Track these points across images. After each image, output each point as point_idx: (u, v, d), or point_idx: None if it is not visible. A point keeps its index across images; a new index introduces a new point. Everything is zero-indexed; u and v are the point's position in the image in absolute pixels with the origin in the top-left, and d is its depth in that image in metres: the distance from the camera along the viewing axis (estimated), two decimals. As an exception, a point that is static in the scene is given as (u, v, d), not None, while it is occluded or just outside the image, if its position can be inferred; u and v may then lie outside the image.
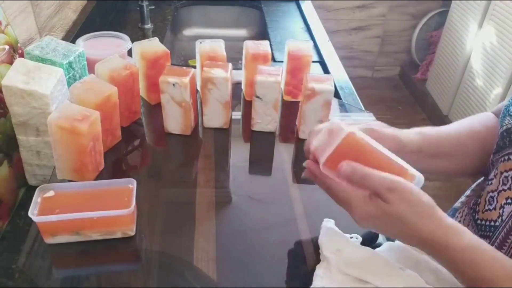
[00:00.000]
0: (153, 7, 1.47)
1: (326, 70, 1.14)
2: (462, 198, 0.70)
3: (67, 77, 0.77)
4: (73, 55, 0.78)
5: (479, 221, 0.60)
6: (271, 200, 0.72)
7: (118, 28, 1.31)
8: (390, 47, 2.81)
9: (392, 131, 0.60)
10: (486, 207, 0.61)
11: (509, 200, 0.57)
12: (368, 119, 0.93)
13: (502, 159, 0.59)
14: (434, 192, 2.11)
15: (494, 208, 0.59)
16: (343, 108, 0.97)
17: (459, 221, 0.66)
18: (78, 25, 1.20)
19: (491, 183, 0.61)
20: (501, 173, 0.59)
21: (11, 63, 0.70)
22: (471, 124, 0.69)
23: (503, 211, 0.57)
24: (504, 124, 0.60)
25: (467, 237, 0.48)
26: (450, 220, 0.49)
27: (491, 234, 0.57)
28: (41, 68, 0.68)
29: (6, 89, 0.64)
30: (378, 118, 0.92)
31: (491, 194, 0.61)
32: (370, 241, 0.63)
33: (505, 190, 0.58)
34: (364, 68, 2.88)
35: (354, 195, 0.50)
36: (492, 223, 0.58)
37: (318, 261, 0.58)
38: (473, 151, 0.66)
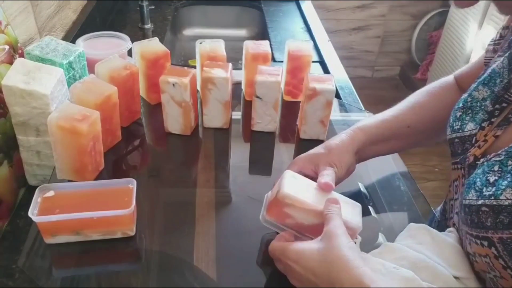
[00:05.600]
0: (153, 7, 1.47)
1: (326, 70, 1.14)
2: (442, 203, 0.71)
3: (67, 77, 0.77)
4: (73, 55, 0.78)
5: (447, 228, 0.61)
6: (271, 200, 0.72)
7: (118, 28, 1.31)
8: (390, 47, 2.80)
9: (322, 157, 0.62)
10: (449, 215, 0.62)
11: (457, 210, 0.58)
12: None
13: (453, 167, 0.59)
14: (433, 192, 2.11)
15: (452, 217, 0.60)
16: (343, 108, 0.97)
17: (437, 226, 0.67)
18: (78, 25, 1.20)
19: (450, 191, 0.62)
20: (453, 181, 0.59)
21: (11, 63, 0.70)
22: (414, 98, 0.70)
23: (455, 220, 0.58)
24: (447, 133, 0.60)
25: None
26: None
27: None
28: (41, 68, 0.68)
29: (6, 89, 0.64)
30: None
31: (451, 202, 0.61)
32: (370, 241, 0.63)
33: (456, 199, 0.59)
34: (364, 68, 2.88)
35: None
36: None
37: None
38: (422, 124, 0.68)
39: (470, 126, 0.55)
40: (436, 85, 0.71)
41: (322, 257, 0.48)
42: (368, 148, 0.66)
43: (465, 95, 0.58)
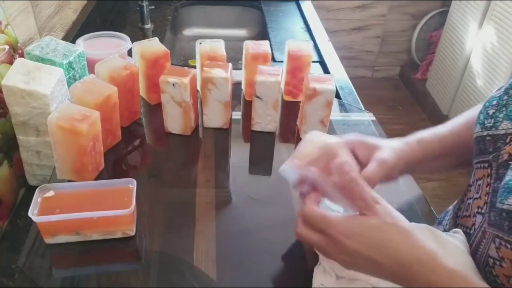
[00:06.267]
0: (153, 7, 1.47)
1: (326, 70, 1.14)
2: (455, 201, 0.70)
3: (67, 77, 0.77)
4: (73, 55, 0.78)
5: (459, 227, 0.60)
6: (271, 200, 0.72)
7: (118, 28, 1.31)
8: (390, 47, 2.81)
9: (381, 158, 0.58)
10: (464, 213, 0.60)
11: (479, 210, 0.56)
12: (368, 119, 0.93)
13: (477, 166, 0.58)
14: (433, 192, 2.11)
15: (469, 216, 0.58)
16: (343, 108, 0.97)
17: (446, 224, 0.66)
18: (78, 25, 1.20)
19: (470, 189, 0.61)
20: (476, 180, 0.58)
21: (11, 63, 0.70)
22: (467, 117, 0.68)
23: (475, 220, 0.57)
24: (475, 131, 0.58)
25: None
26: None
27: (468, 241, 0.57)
28: (41, 68, 0.68)
29: (6, 89, 0.64)
30: (378, 118, 0.92)
31: (468, 201, 0.60)
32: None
33: (477, 199, 0.57)
34: (364, 68, 2.88)
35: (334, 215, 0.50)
36: (468, 230, 0.57)
37: (317, 261, 0.58)
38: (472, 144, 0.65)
39: (505, 125, 0.53)
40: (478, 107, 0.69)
41: (383, 233, 0.47)
42: (423, 164, 0.64)
43: (499, 93, 0.57)
